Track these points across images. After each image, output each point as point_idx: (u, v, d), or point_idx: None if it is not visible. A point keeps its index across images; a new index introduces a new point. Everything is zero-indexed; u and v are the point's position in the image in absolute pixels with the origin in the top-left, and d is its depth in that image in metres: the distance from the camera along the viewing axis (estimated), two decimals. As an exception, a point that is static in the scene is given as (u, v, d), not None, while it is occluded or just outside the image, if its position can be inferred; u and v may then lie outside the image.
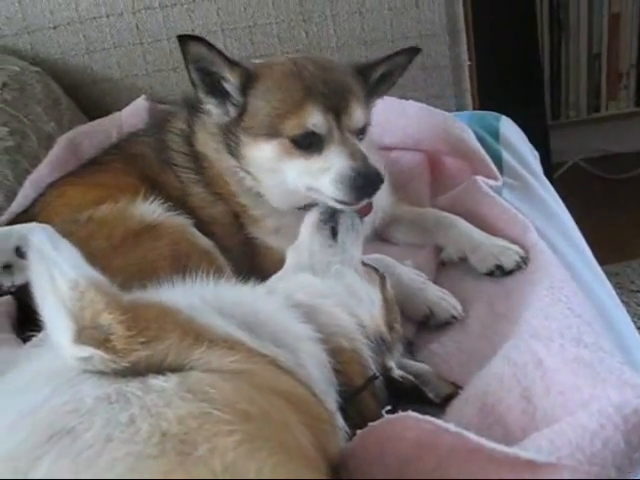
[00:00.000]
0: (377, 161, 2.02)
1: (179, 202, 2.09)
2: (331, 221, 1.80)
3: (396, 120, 2.57)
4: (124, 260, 1.88)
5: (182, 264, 1.85)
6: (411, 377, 1.56)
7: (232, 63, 2.00)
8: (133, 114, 2.74)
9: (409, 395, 1.54)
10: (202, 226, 2.07)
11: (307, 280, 1.63)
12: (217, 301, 1.38)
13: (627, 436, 1.15)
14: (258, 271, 1.89)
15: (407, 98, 2.67)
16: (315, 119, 1.91)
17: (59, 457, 0.99)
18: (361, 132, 2.00)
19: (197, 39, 1.97)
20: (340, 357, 1.45)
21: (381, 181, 1.89)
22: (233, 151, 2.07)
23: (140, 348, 1.16)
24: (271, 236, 2.09)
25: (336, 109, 1.93)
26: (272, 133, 1.96)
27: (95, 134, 2.59)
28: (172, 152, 2.20)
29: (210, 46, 1.97)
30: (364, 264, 1.75)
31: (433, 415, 1.43)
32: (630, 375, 1.33)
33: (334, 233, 1.77)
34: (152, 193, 2.04)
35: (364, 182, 1.86)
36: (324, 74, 1.98)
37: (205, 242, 2.03)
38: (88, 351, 1.15)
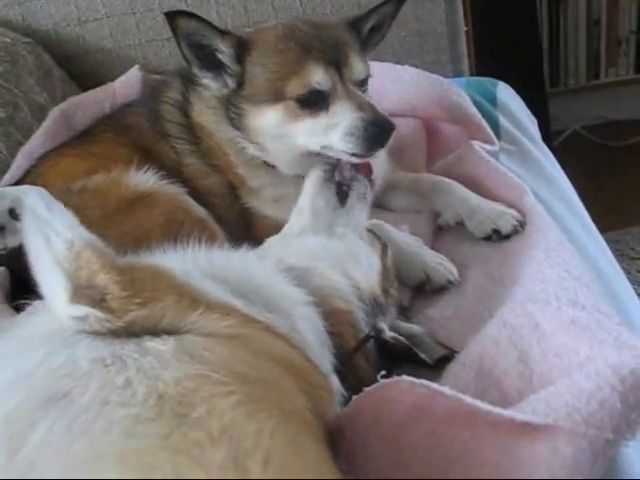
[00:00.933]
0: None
1: (173, 173, 2.08)
2: (334, 178, 1.78)
3: (392, 86, 2.53)
4: (118, 229, 1.86)
5: (176, 232, 1.81)
6: (402, 338, 1.54)
7: (223, 33, 1.96)
8: (126, 85, 2.71)
9: (402, 357, 1.53)
10: (197, 197, 2.06)
11: (301, 243, 1.62)
12: (210, 267, 1.38)
13: (624, 397, 1.14)
14: (254, 241, 1.86)
15: (403, 64, 2.63)
16: (318, 76, 1.88)
17: (55, 421, 0.98)
18: (363, 84, 1.98)
19: (185, 14, 1.94)
20: (335, 318, 1.45)
21: (392, 128, 1.87)
22: (236, 123, 2.04)
23: (136, 308, 1.16)
24: (269, 206, 2.07)
25: (336, 63, 1.91)
26: (275, 97, 1.93)
27: (88, 105, 2.57)
28: (166, 122, 2.18)
29: (199, 19, 1.94)
30: (368, 231, 1.74)
31: (429, 379, 1.43)
32: (627, 336, 1.32)
33: (339, 194, 1.75)
34: (146, 164, 2.03)
35: (376, 131, 1.85)
36: (317, 31, 1.96)
37: (199, 210, 2.01)
38: (84, 310, 1.15)
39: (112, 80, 2.76)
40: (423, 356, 1.53)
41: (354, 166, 1.86)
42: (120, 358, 1.09)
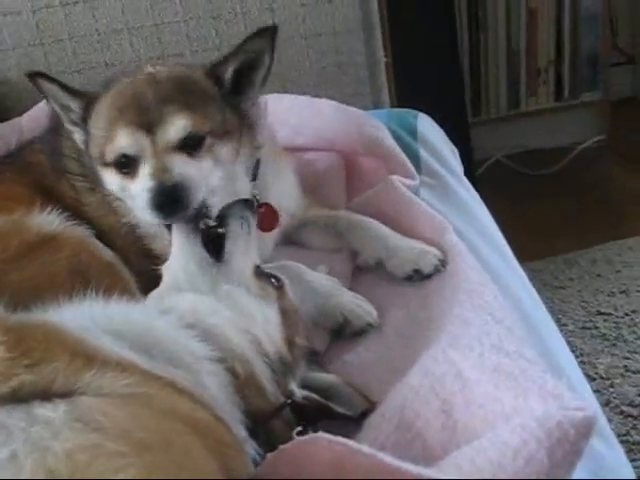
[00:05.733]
0: (287, 193, 2.05)
1: (75, 213, 1.99)
2: (200, 226, 1.65)
3: (310, 120, 2.48)
4: (20, 275, 1.76)
5: (83, 277, 1.75)
6: (316, 396, 1.46)
7: (73, 93, 1.96)
8: (34, 119, 2.61)
9: (318, 415, 1.45)
10: (102, 237, 1.98)
11: (196, 300, 1.50)
12: (108, 322, 1.30)
13: (550, 451, 1.10)
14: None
15: (321, 97, 2.59)
16: (123, 140, 1.83)
17: None
18: (188, 142, 1.85)
19: (42, 76, 1.96)
20: (236, 380, 1.36)
21: (177, 196, 1.77)
22: (98, 180, 1.99)
23: (23, 372, 1.07)
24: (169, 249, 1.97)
25: (149, 125, 1.82)
26: (103, 162, 1.90)
27: (-7, 141, 2.47)
28: (66, 159, 2.10)
29: (52, 80, 1.96)
30: (259, 275, 1.61)
31: (349, 431, 1.37)
32: (553, 385, 1.28)
33: (213, 244, 1.62)
34: (49, 204, 1.94)
35: (160, 201, 1.77)
36: (149, 88, 1.88)
37: (107, 253, 1.93)
38: None
39: (19, 114, 2.68)
40: (341, 410, 1.45)
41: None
42: (6, 428, 0.99)
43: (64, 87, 1.95)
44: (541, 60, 4.92)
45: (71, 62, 2.93)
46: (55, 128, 2.23)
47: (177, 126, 1.83)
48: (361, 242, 2.05)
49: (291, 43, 2.95)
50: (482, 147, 4.69)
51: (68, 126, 2.01)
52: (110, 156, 1.85)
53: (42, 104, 2.67)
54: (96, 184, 2.03)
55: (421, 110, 2.90)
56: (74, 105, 1.95)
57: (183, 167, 1.82)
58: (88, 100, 1.94)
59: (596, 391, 2.81)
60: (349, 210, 2.22)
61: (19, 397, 1.05)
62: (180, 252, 1.62)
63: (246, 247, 1.62)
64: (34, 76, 1.94)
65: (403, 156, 2.36)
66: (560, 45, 4.89)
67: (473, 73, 4.88)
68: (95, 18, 2.91)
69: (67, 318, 1.27)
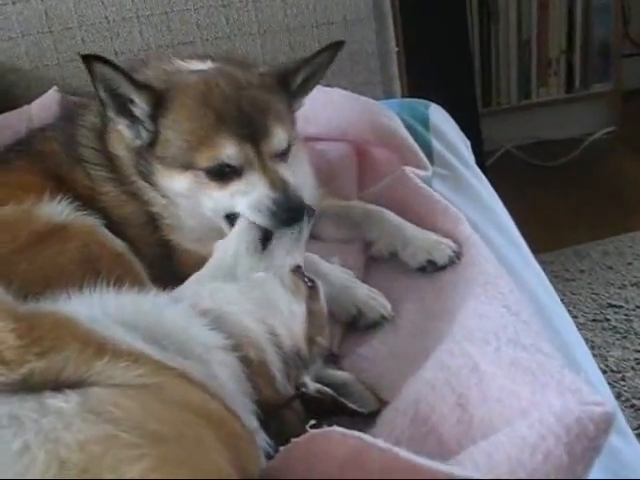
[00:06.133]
0: (303, 184, 1.96)
1: (89, 202, 1.96)
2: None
3: (322, 110, 2.46)
4: (29, 265, 1.75)
5: (93, 267, 1.74)
6: (328, 390, 1.45)
7: (140, 87, 1.86)
8: (44, 107, 2.58)
9: (331, 409, 1.44)
10: (114, 228, 1.95)
11: (217, 286, 1.52)
12: (119, 313, 1.29)
13: (570, 447, 1.09)
14: (175, 273, 1.81)
15: (332, 86, 2.56)
16: (229, 151, 1.79)
17: None
18: (285, 152, 1.89)
19: (101, 60, 1.83)
20: (248, 368, 1.36)
21: (303, 212, 1.78)
22: (145, 176, 1.95)
23: (34, 359, 1.07)
24: (190, 242, 1.97)
25: (253, 136, 1.81)
26: (185, 165, 1.85)
27: (1, 130, 2.44)
28: (82, 148, 2.06)
29: (117, 68, 1.83)
30: (296, 272, 1.63)
31: (363, 426, 1.36)
32: (571, 379, 1.26)
33: (267, 237, 1.68)
34: (59, 193, 1.91)
35: (285, 215, 1.75)
36: (238, 94, 1.85)
37: (117, 244, 1.90)
38: None
39: (28, 102, 2.64)
40: (353, 406, 1.44)
41: None
42: (18, 418, 0.99)
43: (130, 78, 1.84)
44: (552, 50, 4.88)
45: (80, 50, 2.84)
46: (69, 116, 2.21)
47: (280, 138, 1.85)
48: (377, 231, 2.04)
49: (302, 32, 2.93)
50: (492, 138, 4.67)
51: (113, 115, 1.91)
52: (205, 162, 1.81)
53: (51, 92, 2.66)
54: (116, 174, 2.01)
55: (431, 100, 2.89)
56: (139, 99, 1.86)
57: (291, 178, 1.85)
58: (158, 96, 1.87)
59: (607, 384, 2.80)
60: (361, 200, 2.21)
61: (30, 385, 1.05)
62: (239, 231, 1.70)
63: (290, 247, 1.67)
64: (91, 58, 1.82)
65: (416, 146, 2.34)
66: (571, 35, 4.85)
67: (484, 63, 4.85)
68: (104, 6, 2.88)
69: (77, 309, 1.26)
